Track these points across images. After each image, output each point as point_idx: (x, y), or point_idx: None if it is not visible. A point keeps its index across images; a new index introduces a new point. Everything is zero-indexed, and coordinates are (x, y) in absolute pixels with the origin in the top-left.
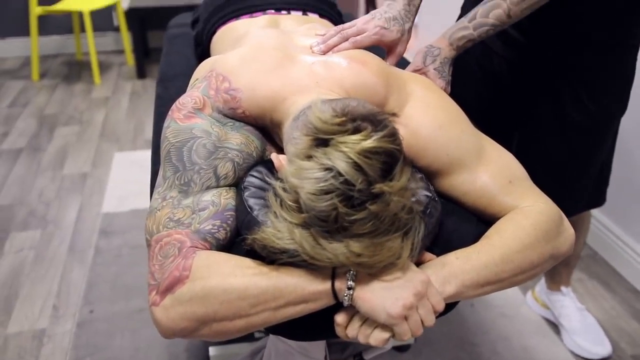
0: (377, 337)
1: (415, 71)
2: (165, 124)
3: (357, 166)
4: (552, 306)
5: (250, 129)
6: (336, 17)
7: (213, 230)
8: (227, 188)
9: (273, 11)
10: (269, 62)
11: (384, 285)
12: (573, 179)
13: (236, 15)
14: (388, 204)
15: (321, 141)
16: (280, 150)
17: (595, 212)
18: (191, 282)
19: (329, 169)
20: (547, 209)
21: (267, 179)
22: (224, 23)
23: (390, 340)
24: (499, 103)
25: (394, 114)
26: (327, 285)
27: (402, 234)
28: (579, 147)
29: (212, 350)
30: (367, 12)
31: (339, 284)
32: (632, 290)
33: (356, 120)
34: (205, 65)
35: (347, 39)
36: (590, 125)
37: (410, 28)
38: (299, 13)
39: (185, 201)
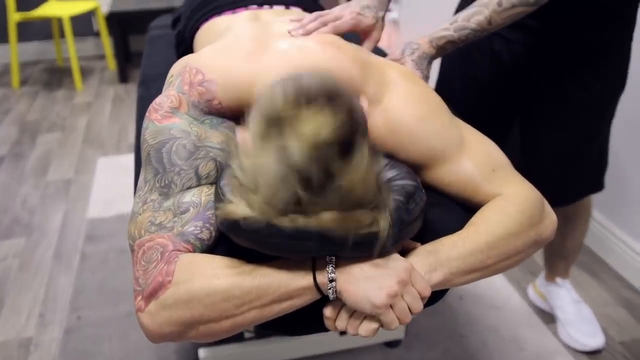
0: (365, 328)
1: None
2: (144, 126)
3: (311, 155)
4: (548, 297)
5: (229, 126)
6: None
7: (196, 232)
8: (209, 185)
9: (255, 6)
10: (242, 51)
11: (367, 275)
12: (577, 162)
13: (218, 11)
14: (349, 181)
15: (275, 124)
16: None
17: None
18: (174, 286)
19: (284, 156)
20: (531, 195)
21: None
22: (206, 20)
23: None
24: (498, 85)
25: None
26: (309, 280)
27: (373, 208)
28: (583, 128)
29: (201, 352)
30: None
31: (321, 278)
32: (618, 278)
33: (310, 100)
34: (179, 63)
35: (326, 24)
36: (593, 104)
37: (384, 16)
38: (282, 7)
39: (166, 203)
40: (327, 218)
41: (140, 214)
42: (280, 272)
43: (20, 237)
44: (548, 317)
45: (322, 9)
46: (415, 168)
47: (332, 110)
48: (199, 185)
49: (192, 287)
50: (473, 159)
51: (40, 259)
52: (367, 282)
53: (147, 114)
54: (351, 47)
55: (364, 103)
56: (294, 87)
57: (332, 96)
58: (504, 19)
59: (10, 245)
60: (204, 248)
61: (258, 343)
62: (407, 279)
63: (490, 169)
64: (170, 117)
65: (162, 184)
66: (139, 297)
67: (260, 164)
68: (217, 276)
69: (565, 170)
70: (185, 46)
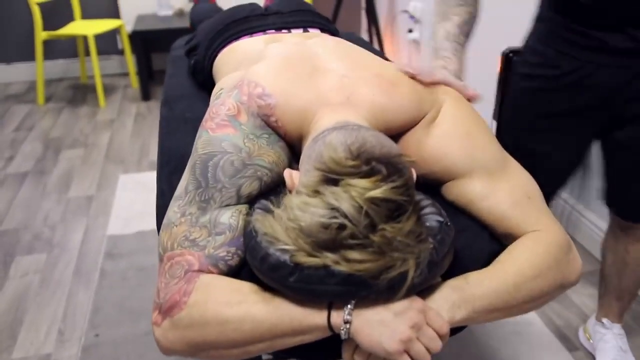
0: None
1: None
2: (198, 135)
3: (362, 210)
4: (593, 336)
5: (284, 146)
6: (335, 32)
7: (227, 258)
8: (247, 206)
9: (273, 31)
10: (300, 71)
11: (381, 319)
12: None
13: (236, 37)
14: (391, 242)
15: (331, 180)
16: None
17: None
18: (189, 308)
19: (333, 209)
20: (558, 237)
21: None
22: (224, 46)
23: None
24: (577, 113)
25: (412, 161)
26: (323, 318)
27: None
28: None
29: None
30: (370, 31)
31: (336, 318)
32: None
33: (370, 162)
34: (231, 78)
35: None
36: None
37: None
38: (300, 31)
39: (203, 219)
40: (357, 259)
41: (176, 226)
42: (295, 305)
43: (41, 253)
44: (571, 344)
45: (336, 30)
46: (454, 175)
47: (390, 176)
48: (238, 203)
49: (206, 313)
50: (512, 182)
51: (60, 275)
52: (381, 328)
53: (202, 123)
54: (407, 81)
55: (418, 132)
56: (359, 147)
57: (393, 164)
58: None
59: (32, 261)
60: (230, 272)
61: None
62: (420, 321)
63: (525, 196)
64: (226, 126)
65: (202, 199)
66: (157, 311)
67: (308, 204)
68: (231, 304)
69: None
70: (203, 75)
